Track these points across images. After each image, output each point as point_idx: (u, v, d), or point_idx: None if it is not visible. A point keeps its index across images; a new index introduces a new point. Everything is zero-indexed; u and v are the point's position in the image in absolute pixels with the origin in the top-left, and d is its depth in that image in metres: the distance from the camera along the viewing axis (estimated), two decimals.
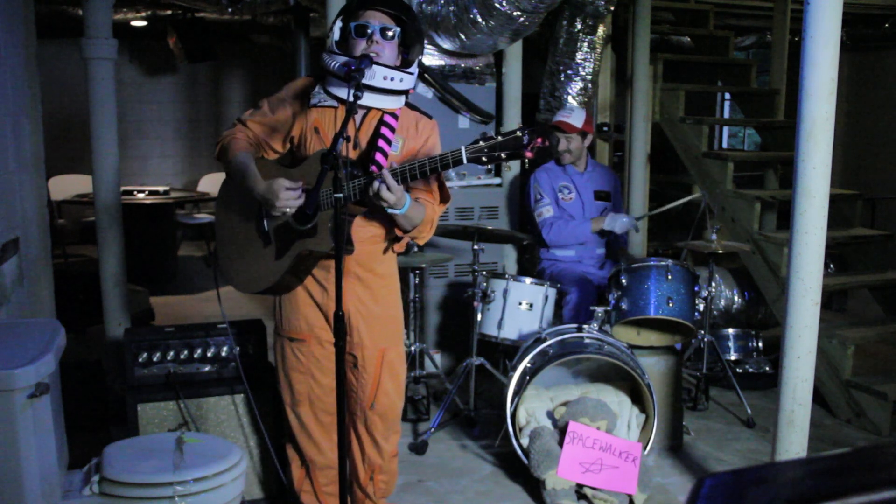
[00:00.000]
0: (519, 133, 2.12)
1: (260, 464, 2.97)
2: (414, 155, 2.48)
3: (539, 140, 2.11)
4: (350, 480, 2.74)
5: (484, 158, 2.15)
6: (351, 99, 2.11)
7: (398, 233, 2.48)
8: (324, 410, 2.60)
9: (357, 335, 2.53)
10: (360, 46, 2.35)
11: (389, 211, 2.29)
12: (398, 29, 2.39)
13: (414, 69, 2.42)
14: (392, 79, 2.35)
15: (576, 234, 4.15)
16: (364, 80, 2.20)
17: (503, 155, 2.13)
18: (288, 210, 2.27)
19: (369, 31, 2.35)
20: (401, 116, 2.46)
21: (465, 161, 2.16)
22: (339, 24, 2.41)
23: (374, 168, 2.36)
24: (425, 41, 4.30)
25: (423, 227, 2.46)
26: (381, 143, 2.40)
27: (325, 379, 2.55)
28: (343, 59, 2.33)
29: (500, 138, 2.14)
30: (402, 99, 2.45)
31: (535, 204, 4.23)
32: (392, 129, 2.42)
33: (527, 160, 2.17)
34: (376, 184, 2.20)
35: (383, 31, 2.36)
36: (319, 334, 2.52)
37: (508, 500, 3.17)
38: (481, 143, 2.15)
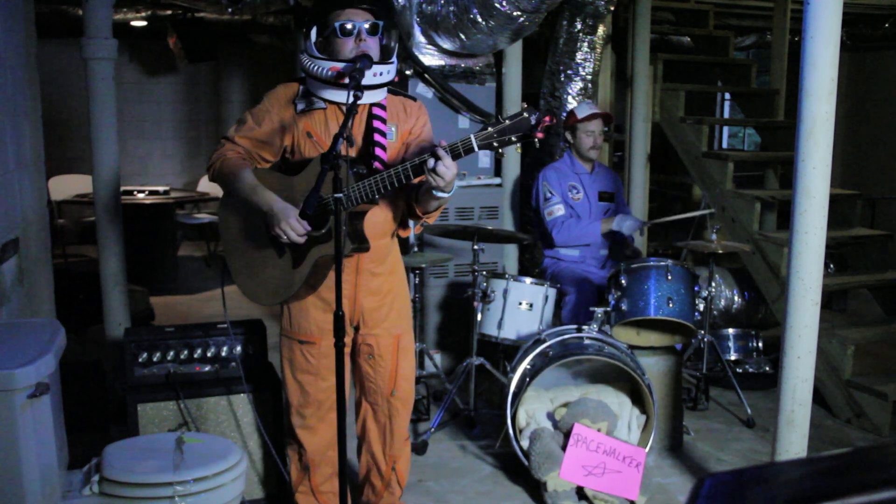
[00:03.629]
0: (526, 114, 2.10)
1: (260, 463, 2.96)
2: (409, 135, 2.49)
3: (547, 118, 2.10)
4: (367, 477, 2.75)
5: (495, 144, 2.12)
6: (352, 100, 2.11)
7: (419, 211, 2.44)
8: (331, 409, 2.60)
9: (372, 325, 2.55)
10: (348, 46, 2.34)
11: (437, 194, 2.26)
12: (381, 23, 2.39)
13: (394, 58, 2.42)
14: (381, 73, 2.35)
15: (585, 235, 4.10)
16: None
17: (513, 138, 2.11)
18: (284, 238, 2.28)
19: (354, 29, 2.33)
20: (387, 104, 2.46)
21: (476, 149, 2.14)
22: (315, 27, 2.38)
23: (376, 164, 2.36)
24: (425, 41, 4.31)
25: (437, 210, 2.47)
26: (376, 136, 2.40)
27: (334, 379, 2.56)
28: (330, 63, 2.32)
29: (507, 122, 2.11)
30: (386, 89, 2.45)
31: (544, 203, 4.17)
32: (383, 121, 2.42)
33: (537, 141, 2.14)
34: (431, 161, 2.16)
35: (369, 28, 2.35)
36: (331, 336, 2.52)
37: (509, 501, 3.17)
38: (490, 129, 2.13)
